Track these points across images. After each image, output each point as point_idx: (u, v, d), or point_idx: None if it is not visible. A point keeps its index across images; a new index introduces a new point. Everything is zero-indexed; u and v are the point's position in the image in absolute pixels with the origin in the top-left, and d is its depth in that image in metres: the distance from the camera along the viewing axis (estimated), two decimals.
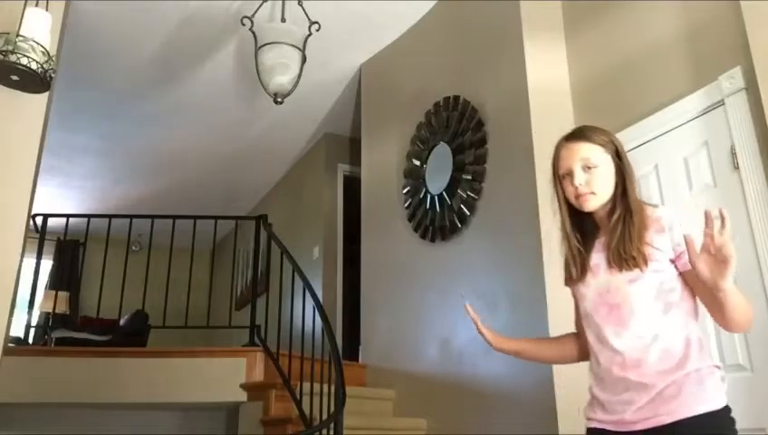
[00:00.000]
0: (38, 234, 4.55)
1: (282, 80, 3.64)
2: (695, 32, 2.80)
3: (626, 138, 3.01)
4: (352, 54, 4.83)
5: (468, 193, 3.59)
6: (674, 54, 2.87)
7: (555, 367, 2.83)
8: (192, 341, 5.68)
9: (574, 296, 1.74)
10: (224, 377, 3.90)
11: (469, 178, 3.61)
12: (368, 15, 4.37)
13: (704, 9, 2.76)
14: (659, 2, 2.98)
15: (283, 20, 3.76)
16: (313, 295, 3.63)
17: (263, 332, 4.18)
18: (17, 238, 2.77)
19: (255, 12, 3.79)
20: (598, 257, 1.64)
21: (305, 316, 3.69)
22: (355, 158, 5.61)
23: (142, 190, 7.17)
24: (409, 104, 4.35)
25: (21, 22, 2.70)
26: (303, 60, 3.71)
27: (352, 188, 5.47)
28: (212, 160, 6.52)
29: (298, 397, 3.47)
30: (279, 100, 3.68)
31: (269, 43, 3.63)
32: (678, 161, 2.78)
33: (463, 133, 3.72)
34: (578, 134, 1.69)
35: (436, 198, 3.84)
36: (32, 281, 4.44)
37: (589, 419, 1.63)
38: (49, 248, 6.56)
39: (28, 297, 4.44)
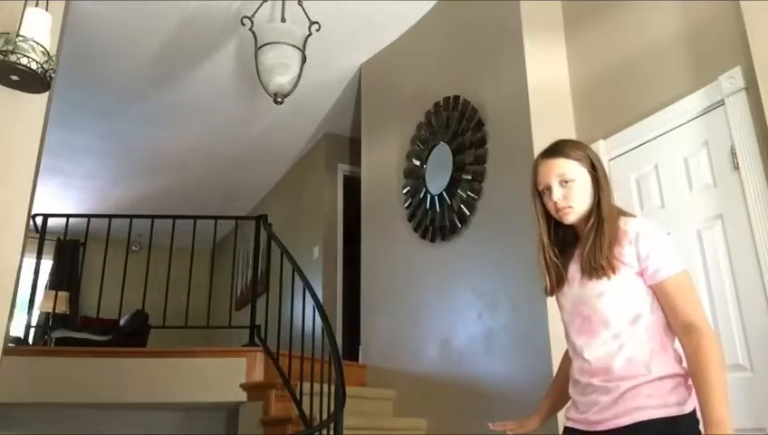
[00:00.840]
0: (38, 234, 4.55)
1: (282, 80, 3.64)
2: (695, 32, 2.80)
3: (626, 138, 3.03)
4: (352, 54, 4.83)
5: (468, 193, 3.59)
6: (674, 54, 2.87)
7: (555, 367, 2.82)
8: (192, 341, 5.68)
9: (559, 306, 1.78)
10: (224, 377, 3.90)
11: (469, 178, 3.61)
12: (368, 15, 4.37)
13: (704, 9, 2.76)
14: (659, 2, 2.98)
15: (283, 20, 3.76)
16: (313, 295, 3.63)
17: (263, 332, 4.18)
18: (17, 238, 2.77)
19: (255, 12, 3.79)
20: (575, 268, 1.69)
21: (305, 316, 3.69)
22: (355, 158, 5.61)
23: (142, 190, 7.17)
24: (409, 104, 4.35)
25: (21, 22, 2.70)
26: (303, 60, 3.71)
27: (352, 188, 5.47)
28: (212, 160, 6.52)
29: (298, 397, 3.47)
30: (279, 100, 3.68)
31: (269, 43, 3.63)
32: (678, 161, 2.78)
33: (463, 133, 3.72)
34: (554, 150, 1.73)
35: (436, 198, 3.84)
36: (32, 281, 4.44)
37: (566, 418, 1.72)
38: (49, 248, 6.56)
39: (28, 297, 4.44)
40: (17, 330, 4.77)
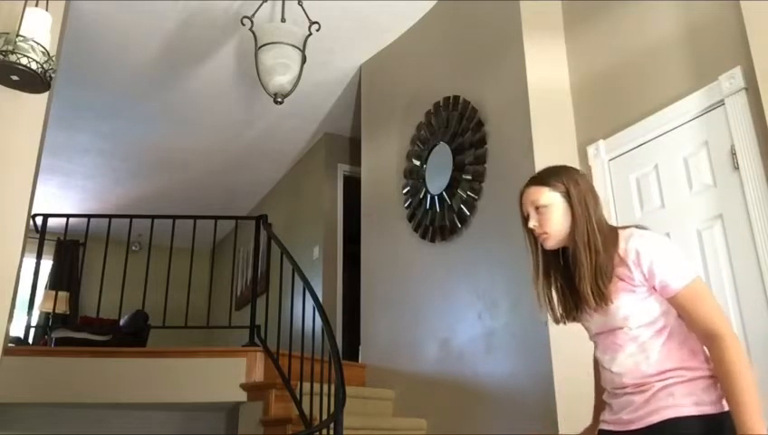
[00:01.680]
0: (38, 234, 4.55)
1: (282, 80, 3.64)
2: (695, 32, 2.80)
3: (626, 138, 3.03)
4: (352, 54, 4.83)
5: (468, 193, 3.59)
6: (674, 54, 2.87)
7: (555, 367, 2.84)
8: (192, 341, 5.67)
9: (585, 329, 1.76)
10: (224, 377, 3.90)
11: (469, 178, 3.61)
12: (368, 15, 4.37)
13: (704, 9, 2.76)
14: (659, 2, 2.98)
15: (283, 20, 3.76)
16: (313, 295, 3.62)
17: (263, 332, 4.18)
18: (17, 238, 2.77)
19: (255, 12, 3.79)
20: None
21: (305, 316, 3.69)
22: (355, 158, 5.61)
23: (142, 190, 7.17)
24: (409, 104, 4.35)
25: (21, 22, 2.70)
26: (303, 60, 3.71)
27: (352, 188, 5.47)
28: (212, 160, 6.52)
29: (298, 397, 3.47)
30: (279, 100, 3.68)
31: (269, 43, 3.63)
32: (678, 161, 2.78)
33: (463, 133, 3.72)
34: (532, 178, 1.77)
35: (436, 198, 3.84)
36: (32, 281, 4.44)
37: (601, 420, 1.70)
38: (49, 248, 6.56)
39: (28, 297, 4.44)
40: (17, 330, 4.77)
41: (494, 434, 3.12)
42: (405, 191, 4.15)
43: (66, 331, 4.74)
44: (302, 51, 3.70)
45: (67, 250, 7.44)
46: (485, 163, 3.55)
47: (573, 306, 1.68)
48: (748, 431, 1.37)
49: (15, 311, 3.02)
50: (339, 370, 3.11)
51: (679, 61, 2.84)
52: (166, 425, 4.45)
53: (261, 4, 3.83)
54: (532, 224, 1.70)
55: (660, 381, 1.53)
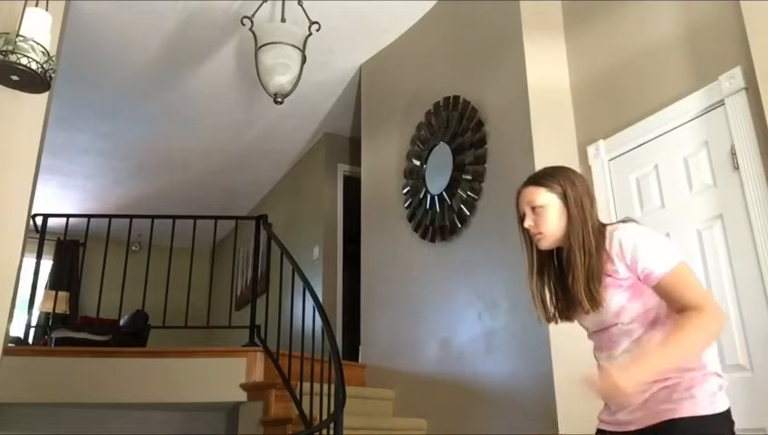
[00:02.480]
0: (38, 234, 4.55)
1: (282, 80, 3.64)
2: (695, 32, 2.80)
3: (626, 138, 3.03)
4: (352, 54, 4.83)
5: (468, 193, 3.59)
6: (674, 54, 2.87)
7: (555, 367, 2.84)
8: (192, 341, 5.67)
9: (583, 328, 1.77)
10: (224, 377, 3.90)
11: (469, 178, 3.61)
12: (368, 15, 4.37)
13: (704, 9, 2.76)
14: (659, 2, 2.98)
15: (283, 20, 3.76)
16: (313, 295, 3.63)
17: (263, 332, 4.18)
18: (17, 238, 2.77)
19: (255, 12, 3.79)
20: None
21: (305, 316, 3.69)
22: (355, 158, 5.61)
23: (142, 190, 7.17)
24: (409, 104, 4.35)
25: (21, 22, 2.70)
26: (303, 60, 3.71)
27: (352, 188, 5.47)
28: (212, 160, 6.52)
29: (298, 397, 3.47)
30: (279, 100, 3.68)
31: (269, 43, 3.63)
32: (678, 161, 2.78)
33: (463, 133, 3.72)
34: (529, 178, 1.78)
35: (436, 198, 3.84)
36: (32, 281, 4.44)
37: (598, 420, 1.70)
38: (49, 248, 6.56)
39: (28, 297, 4.44)
40: (17, 330, 4.77)
41: (494, 434, 3.12)
42: (405, 191, 4.15)
43: (66, 331, 4.74)
44: (302, 51, 3.70)
45: (67, 250, 7.44)
46: (485, 163, 3.55)
47: (566, 306, 1.70)
48: (624, 371, 1.39)
49: (15, 311, 3.02)
50: (339, 370, 3.11)
51: (679, 61, 2.84)
52: (166, 425, 4.45)
53: (261, 4, 3.83)
54: (527, 224, 1.70)
55: (658, 381, 1.52)
